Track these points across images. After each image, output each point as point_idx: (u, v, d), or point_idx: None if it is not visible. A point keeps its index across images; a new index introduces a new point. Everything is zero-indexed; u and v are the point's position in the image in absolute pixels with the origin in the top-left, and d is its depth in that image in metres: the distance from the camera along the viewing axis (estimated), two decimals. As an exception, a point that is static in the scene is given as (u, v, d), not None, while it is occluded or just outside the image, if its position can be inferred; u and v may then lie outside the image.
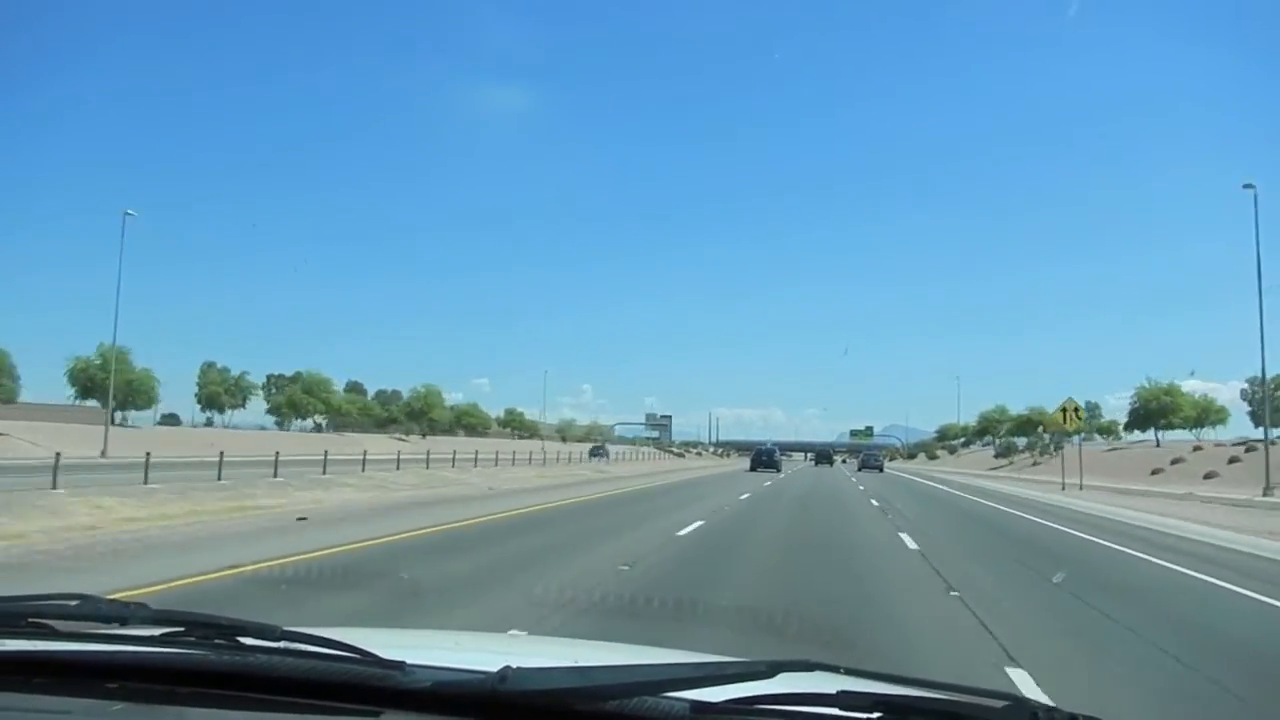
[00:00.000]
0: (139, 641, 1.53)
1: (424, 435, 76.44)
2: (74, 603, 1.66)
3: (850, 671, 1.54)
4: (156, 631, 1.57)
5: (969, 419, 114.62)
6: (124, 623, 1.61)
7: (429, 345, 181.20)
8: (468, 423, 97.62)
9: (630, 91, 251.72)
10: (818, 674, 1.50)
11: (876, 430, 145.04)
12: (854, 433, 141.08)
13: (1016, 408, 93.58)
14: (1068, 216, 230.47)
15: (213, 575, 8.49)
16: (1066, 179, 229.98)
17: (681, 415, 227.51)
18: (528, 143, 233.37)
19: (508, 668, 1.34)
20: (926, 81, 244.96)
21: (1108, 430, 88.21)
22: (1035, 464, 70.60)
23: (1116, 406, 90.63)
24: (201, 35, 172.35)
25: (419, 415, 78.89)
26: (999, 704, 1.32)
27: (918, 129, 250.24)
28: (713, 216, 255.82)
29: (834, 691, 1.33)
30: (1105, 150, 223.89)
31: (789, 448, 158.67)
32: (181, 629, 1.57)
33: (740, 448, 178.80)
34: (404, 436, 74.34)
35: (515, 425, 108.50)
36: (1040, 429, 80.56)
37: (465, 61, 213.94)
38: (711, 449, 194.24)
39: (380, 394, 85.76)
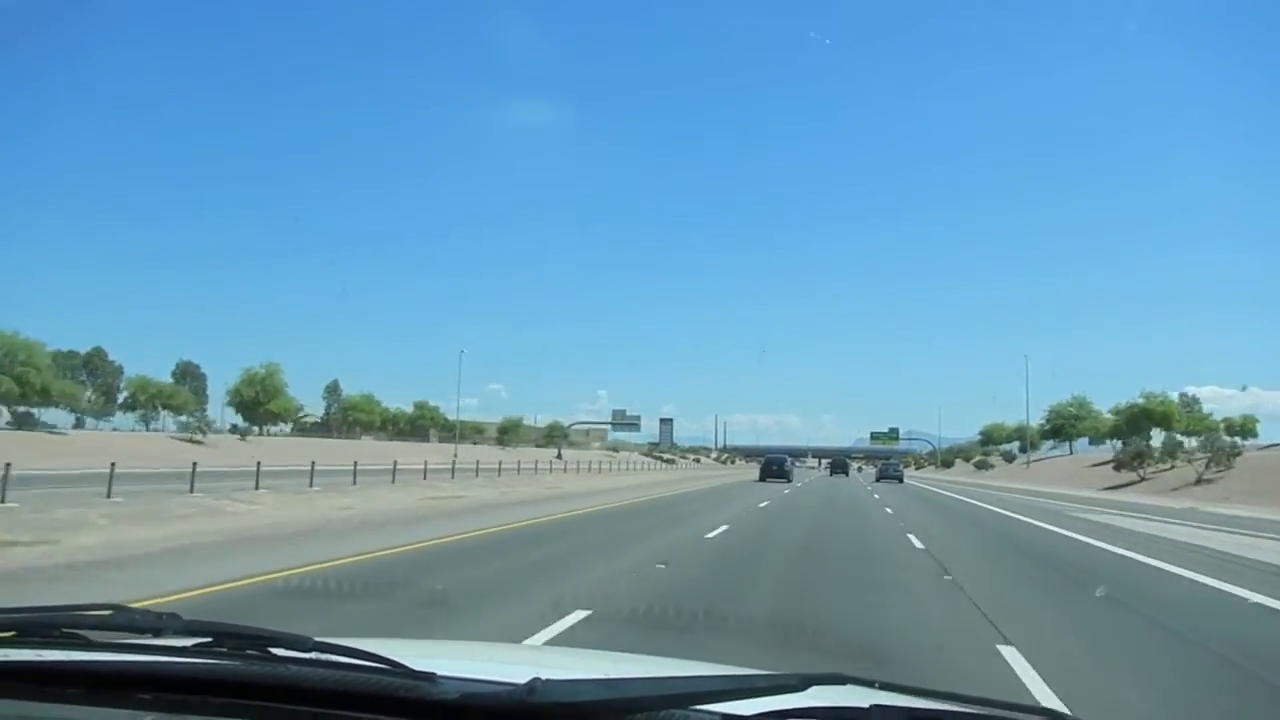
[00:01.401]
0: (172, 652, 1.53)
1: (242, 437, 49.30)
2: (107, 613, 1.67)
3: (883, 685, 1.50)
4: (189, 642, 1.58)
5: (1009, 420, 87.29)
6: (157, 633, 1.61)
7: (444, 351, 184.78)
8: (355, 419, 70.78)
9: (647, 99, 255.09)
10: (849, 688, 1.46)
11: (900, 434, 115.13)
12: (875, 436, 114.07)
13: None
14: (1096, 218, 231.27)
15: None
16: (1096, 180, 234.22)
17: (696, 421, 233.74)
18: (546, 150, 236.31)
19: (536, 679, 1.33)
20: (933, 88, 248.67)
21: (1242, 429, 58.85)
22: (1200, 482, 41.56)
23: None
24: (203, 37, 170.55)
25: (251, 407, 52.08)
26: (1036, 718, 1.30)
27: (935, 134, 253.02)
28: (732, 223, 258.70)
29: (866, 705, 1.31)
30: (1125, 154, 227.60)
31: (803, 453, 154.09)
32: (214, 639, 1.58)
33: (749, 454, 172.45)
34: (199, 437, 46.95)
35: (428, 423, 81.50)
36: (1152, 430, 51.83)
37: (478, 68, 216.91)
38: (713, 455, 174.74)
39: (251, 375, 58.99)
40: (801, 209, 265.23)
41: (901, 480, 58.50)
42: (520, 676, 1.34)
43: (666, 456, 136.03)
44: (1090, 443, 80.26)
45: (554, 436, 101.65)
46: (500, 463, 43.63)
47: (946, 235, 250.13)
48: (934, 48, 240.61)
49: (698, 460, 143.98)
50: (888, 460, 75.79)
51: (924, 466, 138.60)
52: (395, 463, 31.35)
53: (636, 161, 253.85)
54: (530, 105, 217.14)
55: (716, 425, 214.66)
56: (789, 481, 47.73)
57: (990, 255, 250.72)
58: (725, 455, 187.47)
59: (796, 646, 6.77)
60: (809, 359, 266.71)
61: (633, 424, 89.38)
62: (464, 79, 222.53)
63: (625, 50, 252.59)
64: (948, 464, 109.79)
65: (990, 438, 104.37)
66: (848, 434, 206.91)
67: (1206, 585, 11.24)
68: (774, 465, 52.39)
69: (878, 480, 58.11)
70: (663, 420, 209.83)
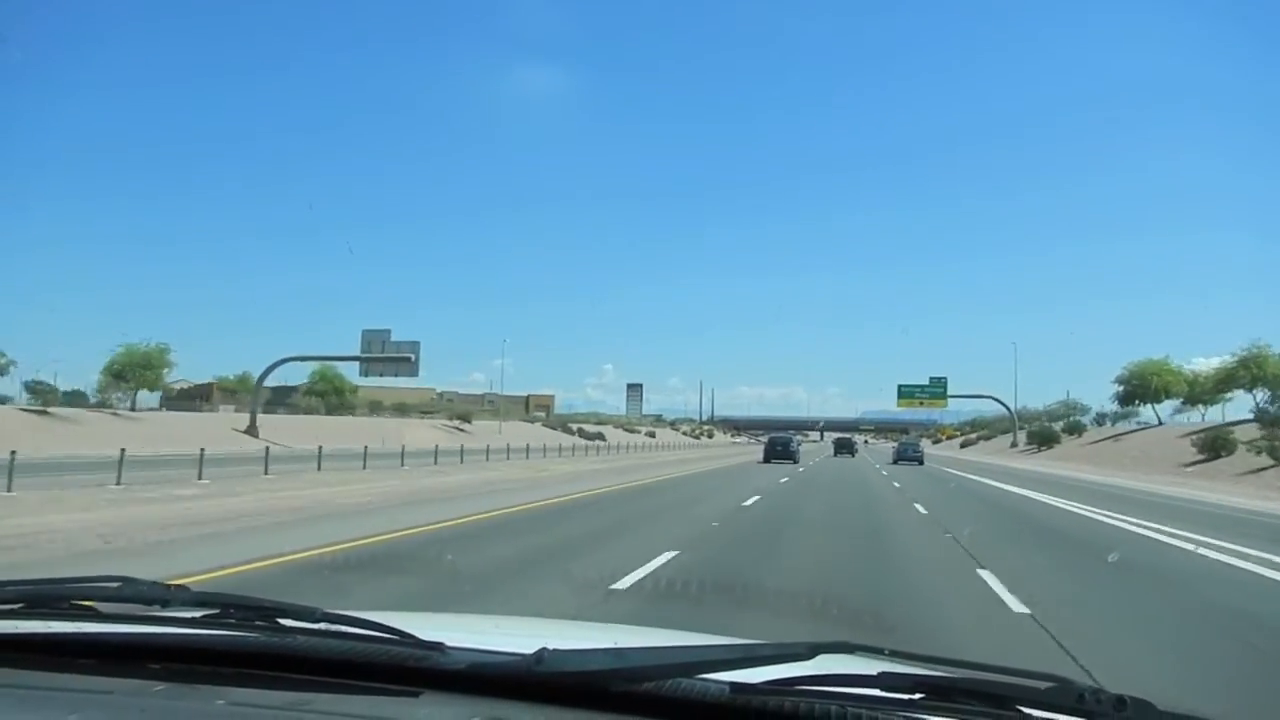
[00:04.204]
0: (181, 623, 1.53)
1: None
2: (116, 585, 1.64)
3: (891, 653, 1.49)
4: (198, 613, 1.58)
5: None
6: (165, 605, 1.60)
7: (452, 326, 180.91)
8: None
9: (656, 70, 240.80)
10: (857, 656, 1.47)
11: (948, 388, 65.75)
12: (905, 392, 64.04)
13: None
14: (1114, 192, 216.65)
15: None
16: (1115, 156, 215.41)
17: (697, 394, 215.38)
18: (553, 124, 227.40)
19: (544, 649, 1.33)
20: (934, 66, 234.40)
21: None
22: None
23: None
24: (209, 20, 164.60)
25: None
26: (1044, 685, 1.26)
27: (946, 110, 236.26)
28: (738, 196, 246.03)
29: (875, 673, 1.30)
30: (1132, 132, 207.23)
31: (808, 425, 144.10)
32: (222, 611, 1.59)
33: (739, 426, 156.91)
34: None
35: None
36: None
37: (485, 41, 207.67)
38: (686, 428, 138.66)
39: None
40: (805, 185, 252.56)
41: (921, 462, 46.98)
42: (529, 647, 1.33)
43: (591, 430, 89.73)
44: None
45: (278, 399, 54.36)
46: None
47: (951, 213, 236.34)
48: (952, 23, 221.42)
49: (651, 434, 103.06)
50: (905, 436, 68.42)
51: (972, 442, 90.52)
52: None
53: (640, 137, 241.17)
54: (529, 80, 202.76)
55: (701, 393, 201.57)
56: (795, 463, 41.51)
57: (1000, 232, 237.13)
58: (702, 428, 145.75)
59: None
60: (818, 331, 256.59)
61: (402, 359, 42.27)
62: (458, 54, 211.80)
63: (641, 20, 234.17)
64: (1044, 439, 60.95)
65: (1145, 389, 54.97)
66: (855, 407, 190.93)
67: None
68: (779, 446, 45.33)
69: (895, 462, 46.28)
70: (630, 386, 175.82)
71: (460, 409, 78.85)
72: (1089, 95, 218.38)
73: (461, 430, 64.07)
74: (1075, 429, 62.52)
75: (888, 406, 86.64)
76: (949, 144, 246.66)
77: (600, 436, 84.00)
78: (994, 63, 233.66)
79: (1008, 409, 75.31)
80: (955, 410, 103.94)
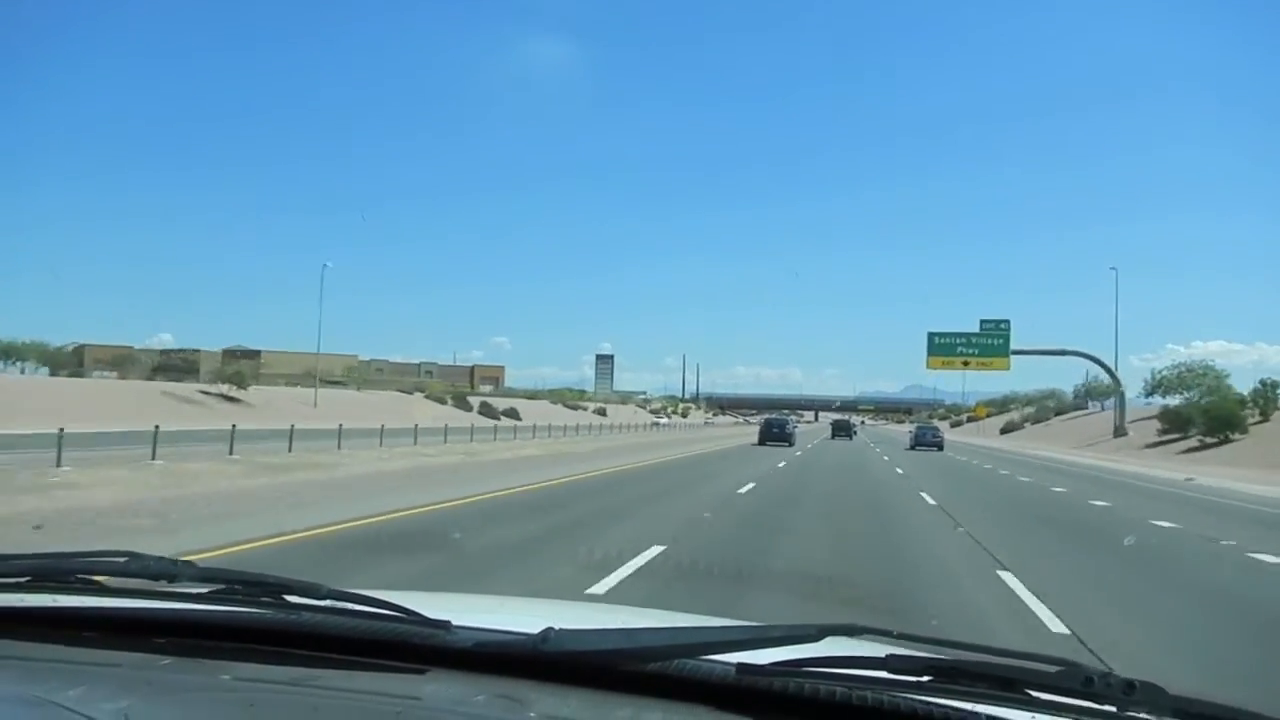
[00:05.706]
0: (187, 598, 1.55)
1: None
2: (123, 559, 1.62)
3: (900, 636, 1.50)
4: (204, 589, 1.58)
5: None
6: (172, 579, 1.58)
7: (451, 305, 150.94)
8: None
9: (659, 50, 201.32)
10: (865, 638, 1.49)
11: (1011, 333, 38.87)
12: (942, 345, 36.90)
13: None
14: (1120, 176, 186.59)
15: None
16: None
17: (703, 374, 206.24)
18: (564, 104, 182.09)
19: (550, 629, 1.34)
20: (940, 50, 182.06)
21: None
22: None
23: None
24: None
25: None
26: (1052, 668, 1.27)
27: (947, 94, 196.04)
28: (743, 177, 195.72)
29: (882, 655, 1.30)
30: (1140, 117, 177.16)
31: (799, 405, 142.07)
32: (228, 586, 1.59)
33: (726, 404, 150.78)
34: None
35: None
36: None
37: (502, 19, 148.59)
38: (654, 407, 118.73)
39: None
40: (810, 169, 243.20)
41: (941, 447, 43.70)
42: (535, 626, 1.34)
43: (502, 406, 67.71)
44: None
45: None
46: None
47: (946, 195, 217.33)
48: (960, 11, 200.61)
49: (602, 412, 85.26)
50: (909, 416, 64.57)
51: (1016, 426, 67.11)
52: None
53: (642, 121, 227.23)
54: (544, 60, 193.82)
55: (684, 369, 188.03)
56: (790, 445, 40.87)
57: (999, 215, 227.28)
58: (678, 406, 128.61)
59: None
60: (815, 312, 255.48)
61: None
62: (470, 33, 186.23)
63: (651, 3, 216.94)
64: (1216, 424, 35.64)
65: None
66: (853, 387, 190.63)
67: None
68: (775, 428, 44.32)
69: (913, 448, 42.16)
70: (600, 358, 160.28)
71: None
72: (1092, 82, 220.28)
73: (229, 399, 39.66)
74: (1253, 407, 35.93)
75: (884, 389, 65.36)
76: (956, 127, 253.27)
77: (513, 414, 61.01)
78: (990, 53, 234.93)
79: (1109, 371, 48.31)
80: (974, 389, 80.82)
